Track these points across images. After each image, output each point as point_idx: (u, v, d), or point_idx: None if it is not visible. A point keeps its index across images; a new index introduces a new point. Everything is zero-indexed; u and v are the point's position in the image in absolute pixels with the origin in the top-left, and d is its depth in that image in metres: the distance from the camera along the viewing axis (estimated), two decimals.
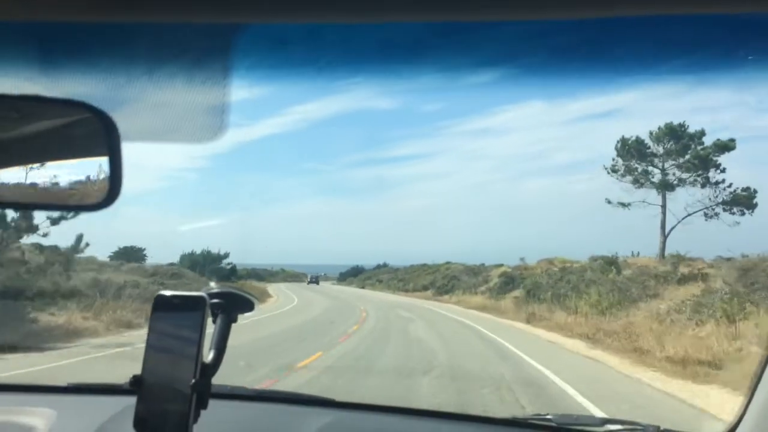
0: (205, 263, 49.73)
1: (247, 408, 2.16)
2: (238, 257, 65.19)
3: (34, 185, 1.14)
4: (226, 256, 51.92)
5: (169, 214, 78.77)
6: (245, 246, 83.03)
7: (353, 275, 71.16)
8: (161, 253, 60.03)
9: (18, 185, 1.14)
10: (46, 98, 1.12)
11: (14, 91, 1.10)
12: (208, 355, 1.24)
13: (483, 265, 38.99)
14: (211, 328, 1.26)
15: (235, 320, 1.33)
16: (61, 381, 2.34)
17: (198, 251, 50.30)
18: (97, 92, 1.12)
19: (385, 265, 65.75)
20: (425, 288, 41.84)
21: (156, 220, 69.09)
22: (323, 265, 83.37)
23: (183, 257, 49.52)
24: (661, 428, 2.05)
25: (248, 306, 1.36)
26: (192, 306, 1.20)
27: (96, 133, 1.07)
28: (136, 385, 1.17)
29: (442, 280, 40.50)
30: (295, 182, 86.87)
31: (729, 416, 1.86)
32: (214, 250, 52.61)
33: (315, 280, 64.78)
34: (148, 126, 1.25)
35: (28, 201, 1.28)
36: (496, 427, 2.19)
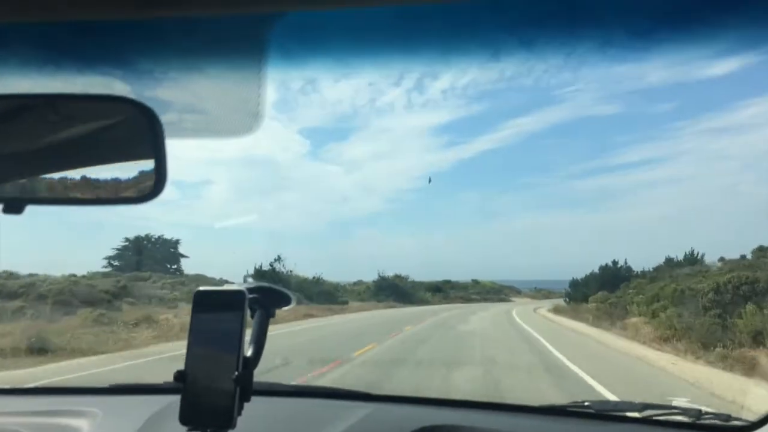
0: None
1: (285, 403, 2.17)
2: (451, 273, 57.68)
3: (77, 181, 1.11)
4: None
5: (395, 233, 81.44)
6: (461, 262, 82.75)
7: (612, 285, 30.39)
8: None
9: (62, 181, 1.12)
10: (86, 95, 1.13)
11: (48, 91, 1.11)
12: (248, 350, 1.25)
13: None
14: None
15: (272, 315, 1.34)
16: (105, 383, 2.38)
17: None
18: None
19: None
20: None
21: (385, 240, 73.01)
22: (543, 280, 74.94)
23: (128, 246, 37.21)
24: (703, 411, 1.95)
25: (285, 301, 1.38)
26: (232, 301, 1.21)
27: (139, 129, 1.07)
28: (180, 380, 1.18)
29: None
30: (511, 198, 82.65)
31: None
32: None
33: None
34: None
35: (73, 197, 1.16)
36: (534, 415, 2.10)
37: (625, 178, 70.98)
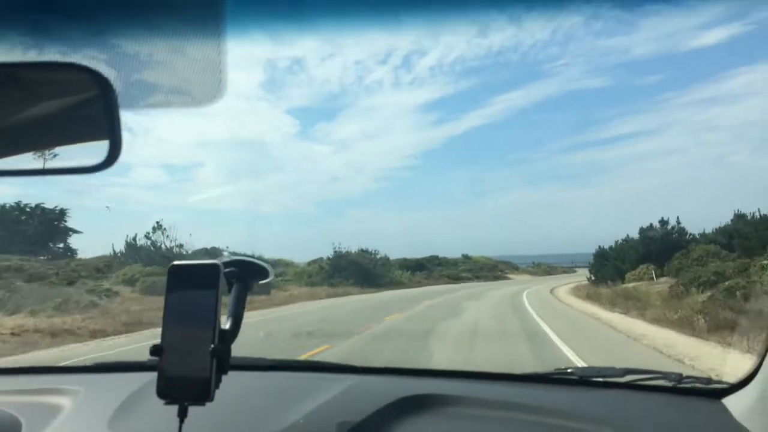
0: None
1: (266, 377, 2.18)
2: (443, 250, 55.22)
3: (28, 151, 1.12)
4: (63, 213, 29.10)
5: (387, 212, 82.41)
6: (453, 239, 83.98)
7: (660, 255, 21.72)
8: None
9: (12, 151, 1.13)
10: (33, 63, 1.13)
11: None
12: (226, 323, 1.26)
13: None
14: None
15: (250, 288, 1.34)
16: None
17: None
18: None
19: None
20: None
21: (375, 219, 74.11)
22: (541, 254, 74.59)
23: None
24: (684, 375, 1.97)
25: (263, 274, 1.37)
26: (207, 274, 1.21)
27: (92, 96, 1.06)
28: (157, 354, 1.18)
29: None
30: (503, 173, 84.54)
31: None
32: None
33: None
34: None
35: (24, 168, 1.17)
36: (518, 383, 2.11)
37: (614, 152, 71.54)
